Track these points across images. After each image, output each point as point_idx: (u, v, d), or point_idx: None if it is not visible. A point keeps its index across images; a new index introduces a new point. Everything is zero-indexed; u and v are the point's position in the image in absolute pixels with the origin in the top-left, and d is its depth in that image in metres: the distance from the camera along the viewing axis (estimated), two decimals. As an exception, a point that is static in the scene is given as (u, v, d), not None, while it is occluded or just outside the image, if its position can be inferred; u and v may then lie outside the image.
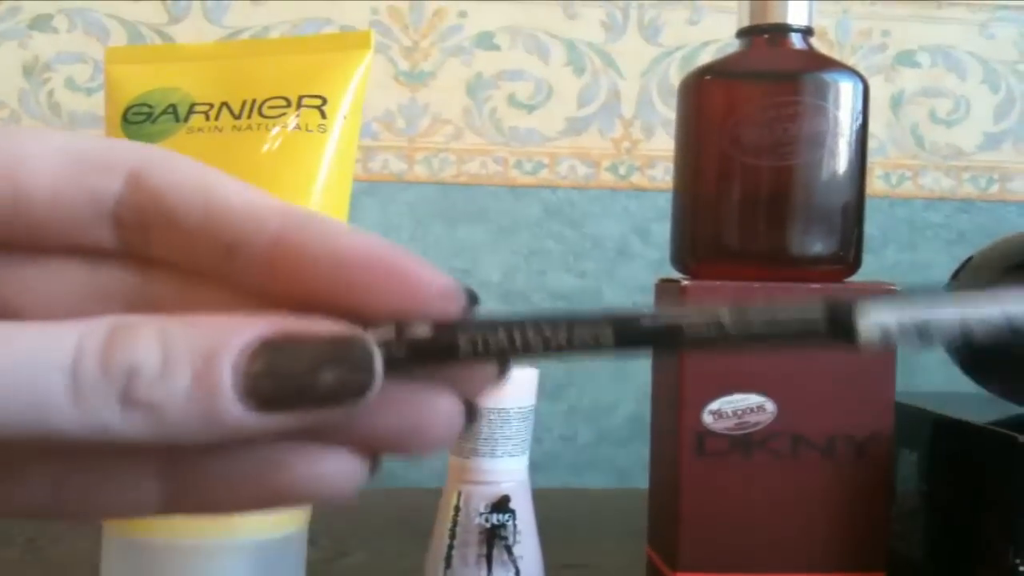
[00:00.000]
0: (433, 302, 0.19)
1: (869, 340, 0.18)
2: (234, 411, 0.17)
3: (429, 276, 0.19)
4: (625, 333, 0.19)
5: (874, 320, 0.18)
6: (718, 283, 0.42)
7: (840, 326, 0.18)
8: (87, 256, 0.20)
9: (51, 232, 0.19)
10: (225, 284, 0.20)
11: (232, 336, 0.17)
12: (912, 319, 0.18)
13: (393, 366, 0.18)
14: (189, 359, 0.17)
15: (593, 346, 0.19)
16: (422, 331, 0.19)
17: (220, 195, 0.19)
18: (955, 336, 0.18)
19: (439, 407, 0.19)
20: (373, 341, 0.18)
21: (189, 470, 0.19)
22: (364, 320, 0.19)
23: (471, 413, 0.19)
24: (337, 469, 0.19)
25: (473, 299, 0.19)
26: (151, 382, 0.17)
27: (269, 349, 0.17)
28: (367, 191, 0.73)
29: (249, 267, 0.19)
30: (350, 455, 0.19)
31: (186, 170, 0.19)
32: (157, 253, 0.20)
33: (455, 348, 0.19)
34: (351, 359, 0.18)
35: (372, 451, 0.19)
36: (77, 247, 0.20)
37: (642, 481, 0.48)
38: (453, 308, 0.19)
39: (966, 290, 0.18)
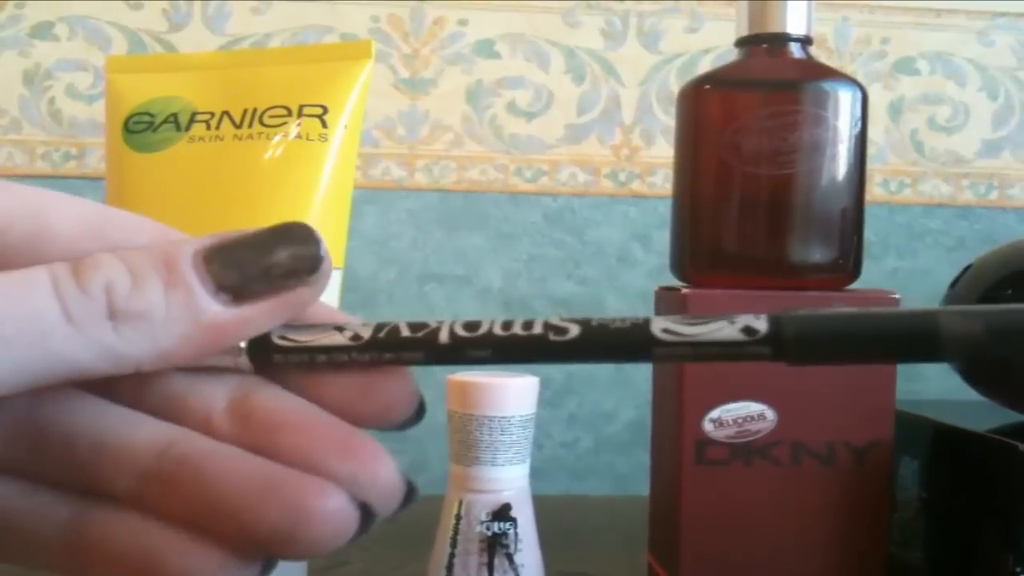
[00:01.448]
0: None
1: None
2: (212, 305, 0.19)
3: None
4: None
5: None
6: (717, 291, 0.42)
7: (778, 342, 0.20)
8: None
9: None
10: None
11: (183, 246, 0.20)
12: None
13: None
14: (153, 270, 0.19)
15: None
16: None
17: (105, 213, 0.21)
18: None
19: (327, 503, 0.19)
20: (307, 228, 0.20)
21: (86, 551, 0.20)
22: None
23: (366, 517, 0.20)
24: (210, 568, 0.20)
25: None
26: (128, 294, 0.19)
27: (220, 249, 0.20)
28: (368, 198, 0.73)
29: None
30: (227, 557, 0.20)
31: (64, 198, 0.21)
32: None
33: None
34: (296, 236, 0.20)
35: (255, 553, 0.20)
36: None
37: (642, 488, 0.48)
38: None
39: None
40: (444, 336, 0.20)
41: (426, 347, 0.20)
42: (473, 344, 0.20)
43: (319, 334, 0.21)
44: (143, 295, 0.19)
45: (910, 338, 0.19)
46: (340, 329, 0.21)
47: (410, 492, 0.21)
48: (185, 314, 0.19)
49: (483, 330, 0.20)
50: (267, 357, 0.21)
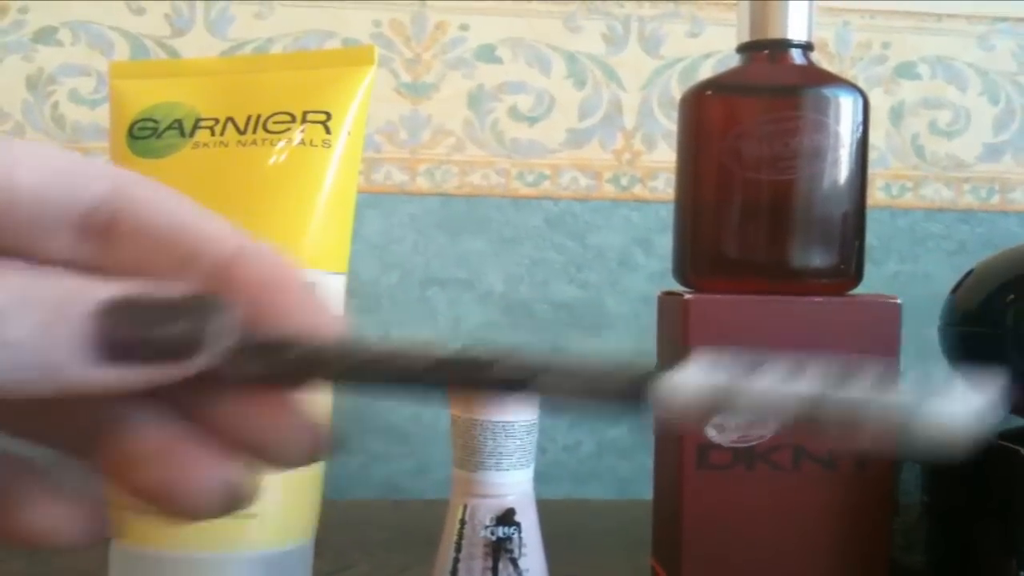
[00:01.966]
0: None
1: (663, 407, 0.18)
2: (75, 362, 0.18)
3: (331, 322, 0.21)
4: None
5: (672, 388, 0.18)
6: (720, 296, 0.42)
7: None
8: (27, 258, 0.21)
9: (20, 227, 0.20)
10: None
11: (85, 293, 0.19)
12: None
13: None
14: (39, 307, 0.18)
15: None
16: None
17: (188, 215, 0.21)
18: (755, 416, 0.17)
19: (202, 475, 0.20)
20: (219, 304, 0.19)
21: None
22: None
23: (248, 486, 0.20)
24: (69, 517, 0.20)
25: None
26: (4, 321, 0.18)
27: (118, 305, 0.19)
28: (370, 203, 0.73)
29: (197, 280, 0.20)
30: (84, 510, 0.20)
31: (164, 190, 0.21)
32: (110, 261, 0.21)
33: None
34: (194, 315, 0.19)
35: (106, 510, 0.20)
36: (30, 249, 0.21)
37: (645, 492, 0.48)
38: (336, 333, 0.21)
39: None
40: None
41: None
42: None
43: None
44: (10, 327, 0.18)
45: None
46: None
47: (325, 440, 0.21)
48: (45, 364, 0.18)
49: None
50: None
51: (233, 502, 0.20)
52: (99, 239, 0.21)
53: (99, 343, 0.18)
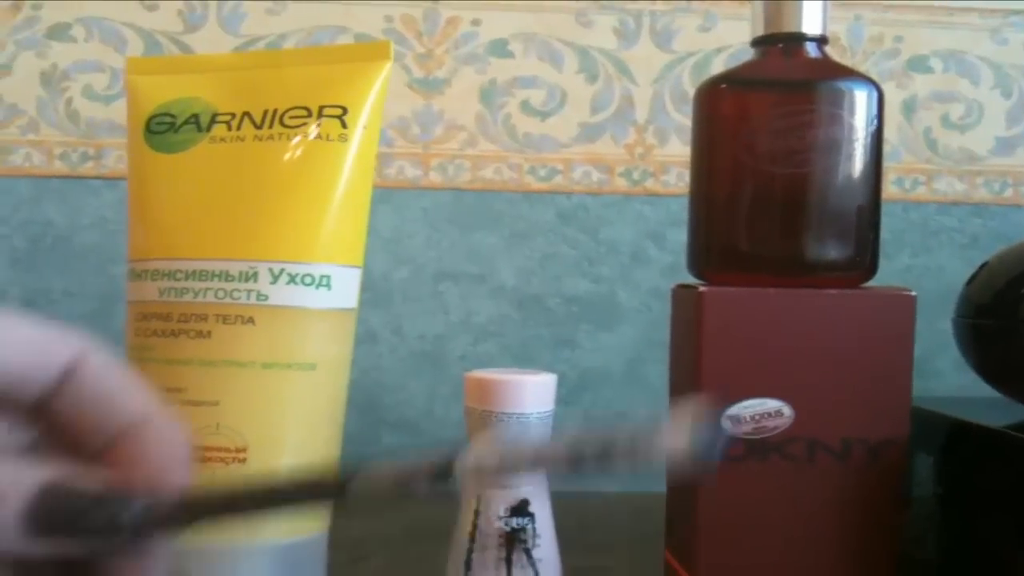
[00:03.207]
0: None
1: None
2: (14, 535, 0.22)
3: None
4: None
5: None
6: (735, 289, 0.43)
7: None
8: None
9: None
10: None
11: (24, 479, 0.23)
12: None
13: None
14: None
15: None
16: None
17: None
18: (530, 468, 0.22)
19: None
20: (130, 502, 0.23)
21: None
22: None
23: None
24: None
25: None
26: None
27: (49, 493, 0.23)
28: (382, 198, 0.74)
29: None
30: None
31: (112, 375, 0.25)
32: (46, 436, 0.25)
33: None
34: (109, 510, 0.23)
35: None
36: None
37: (658, 484, 0.49)
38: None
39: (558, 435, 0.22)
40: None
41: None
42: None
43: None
44: None
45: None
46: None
47: None
48: None
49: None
50: None
51: None
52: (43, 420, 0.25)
53: (31, 523, 0.22)
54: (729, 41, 0.76)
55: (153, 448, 0.25)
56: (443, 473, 0.22)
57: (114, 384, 0.25)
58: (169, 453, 0.25)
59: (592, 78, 0.76)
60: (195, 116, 0.42)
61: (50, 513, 0.22)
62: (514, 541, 0.41)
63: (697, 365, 0.42)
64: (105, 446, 0.24)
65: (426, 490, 0.22)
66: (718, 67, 0.76)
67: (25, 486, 0.22)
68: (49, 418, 0.25)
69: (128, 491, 0.23)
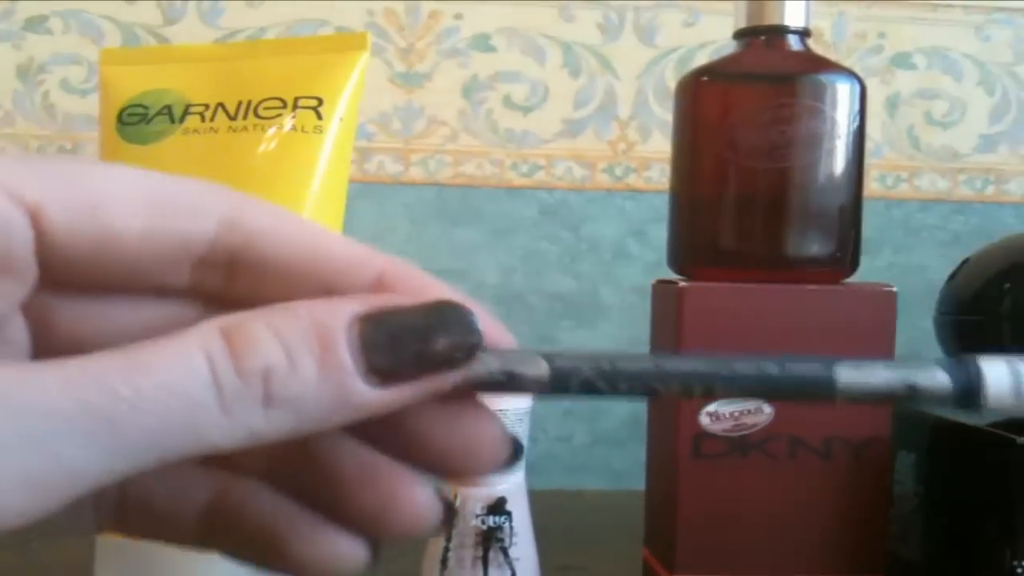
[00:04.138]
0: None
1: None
2: (361, 388, 0.18)
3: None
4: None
5: None
6: (715, 285, 0.42)
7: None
8: (155, 293, 0.20)
9: (134, 274, 0.20)
10: None
11: (336, 317, 0.19)
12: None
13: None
14: (308, 348, 0.18)
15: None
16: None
17: (324, 242, 0.20)
18: None
19: (413, 495, 0.21)
20: (467, 307, 0.19)
21: (220, 530, 0.21)
22: None
23: (449, 512, 0.21)
24: (337, 550, 0.21)
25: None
26: (284, 379, 0.18)
27: (376, 325, 0.19)
28: (363, 193, 0.73)
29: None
30: (349, 541, 0.21)
31: (281, 215, 0.20)
32: (235, 294, 0.20)
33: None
34: (455, 321, 0.19)
35: (361, 533, 0.21)
36: (147, 286, 0.20)
37: (638, 482, 0.48)
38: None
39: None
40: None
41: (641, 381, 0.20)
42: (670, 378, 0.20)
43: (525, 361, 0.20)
44: (298, 380, 0.18)
45: None
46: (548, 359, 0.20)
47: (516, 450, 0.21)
48: (336, 399, 0.18)
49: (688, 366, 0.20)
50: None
51: (443, 514, 0.21)
52: (225, 274, 0.20)
53: (373, 368, 0.18)
54: (713, 36, 0.76)
55: None
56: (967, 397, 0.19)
57: (302, 238, 0.20)
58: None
59: (575, 73, 0.75)
60: (168, 107, 0.42)
61: (390, 349, 0.18)
62: (491, 539, 0.40)
63: (677, 361, 0.42)
64: None
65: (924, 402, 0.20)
66: (701, 62, 0.75)
67: (342, 326, 0.18)
68: (239, 286, 0.21)
69: (465, 305, 0.19)
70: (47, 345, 0.20)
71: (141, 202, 0.19)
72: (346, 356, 0.18)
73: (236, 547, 0.21)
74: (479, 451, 0.21)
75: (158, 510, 0.21)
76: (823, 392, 0.20)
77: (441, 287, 0.21)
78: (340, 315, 0.19)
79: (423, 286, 0.20)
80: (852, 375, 0.20)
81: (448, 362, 0.19)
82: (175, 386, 0.17)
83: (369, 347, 0.18)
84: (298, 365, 0.18)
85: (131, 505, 0.21)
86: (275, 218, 0.20)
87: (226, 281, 0.20)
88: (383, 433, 0.21)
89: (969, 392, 0.19)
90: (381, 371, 0.18)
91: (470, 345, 0.19)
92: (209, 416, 0.17)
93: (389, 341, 0.18)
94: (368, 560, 0.21)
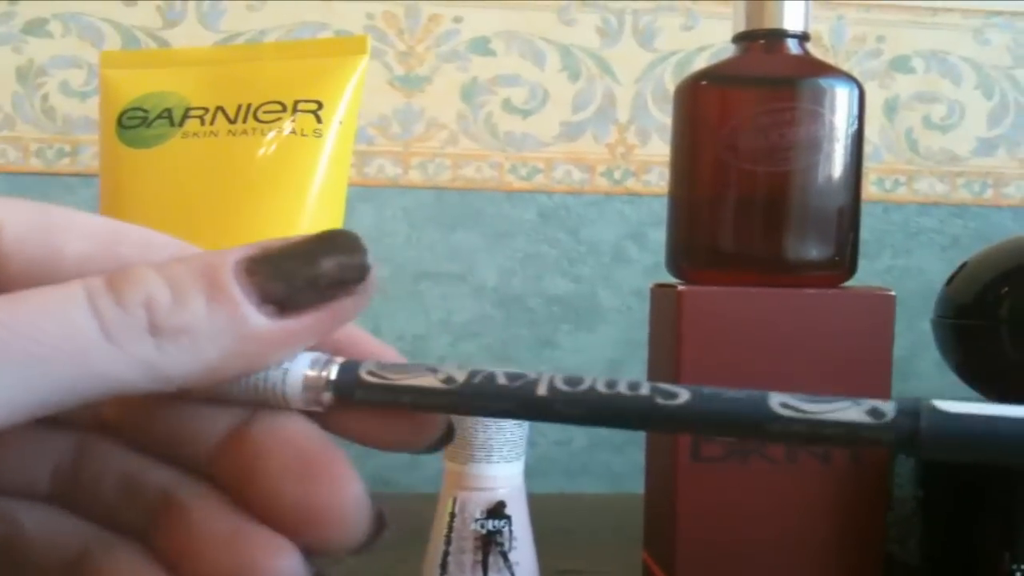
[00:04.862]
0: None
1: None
2: (257, 318, 0.18)
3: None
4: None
5: None
6: (714, 288, 0.42)
7: (908, 445, 0.18)
8: None
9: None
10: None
11: (225, 256, 0.19)
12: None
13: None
14: (194, 282, 0.18)
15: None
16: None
17: (120, 228, 0.21)
18: None
19: (278, 563, 0.19)
20: (353, 233, 0.19)
21: (167, 537, 0.20)
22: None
23: (379, 521, 0.20)
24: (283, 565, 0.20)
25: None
26: (169, 309, 0.18)
27: (263, 259, 0.19)
28: (362, 196, 0.73)
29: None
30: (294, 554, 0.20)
31: (73, 212, 0.21)
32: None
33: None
34: (342, 245, 0.19)
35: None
36: None
37: (637, 486, 0.48)
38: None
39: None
40: (542, 389, 0.19)
41: (520, 399, 0.19)
42: (571, 400, 0.19)
43: (411, 374, 0.20)
44: (185, 309, 0.18)
45: None
46: (433, 370, 0.20)
47: (379, 522, 0.20)
48: (229, 327, 0.18)
49: (584, 386, 0.19)
50: (350, 395, 0.20)
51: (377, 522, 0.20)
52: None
53: (265, 297, 0.19)
54: (712, 40, 0.76)
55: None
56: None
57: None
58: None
59: (574, 77, 0.75)
60: (168, 111, 0.42)
61: (278, 277, 0.19)
62: (490, 544, 0.40)
63: (676, 364, 0.42)
64: None
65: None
66: (700, 66, 0.75)
67: (230, 263, 0.18)
68: None
69: (349, 232, 0.20)
70: None
71: (88, 231, 0.20)
72: (234, 286, 0.18)
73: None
74: (412, 440, 0.21)
75: (23, 553, 0.21)
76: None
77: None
78: (226, 255, 0.19)
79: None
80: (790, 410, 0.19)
81: (341, 283, 0.19)
82: (55, 311, 0.17)
83: (259, 279, 0.18)
84: (183, 295, 0.18)
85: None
86: (70, 217, 0.20)
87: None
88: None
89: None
90: (274, 300, 0.19)
91: (359, 264, 0.19)
92: (93, 341, 0.17)
93: (277, 270, 0.19)
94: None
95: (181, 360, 0.18)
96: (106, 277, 0.18)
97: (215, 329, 0.18)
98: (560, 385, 0.19)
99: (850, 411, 0.18)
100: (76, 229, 0.20)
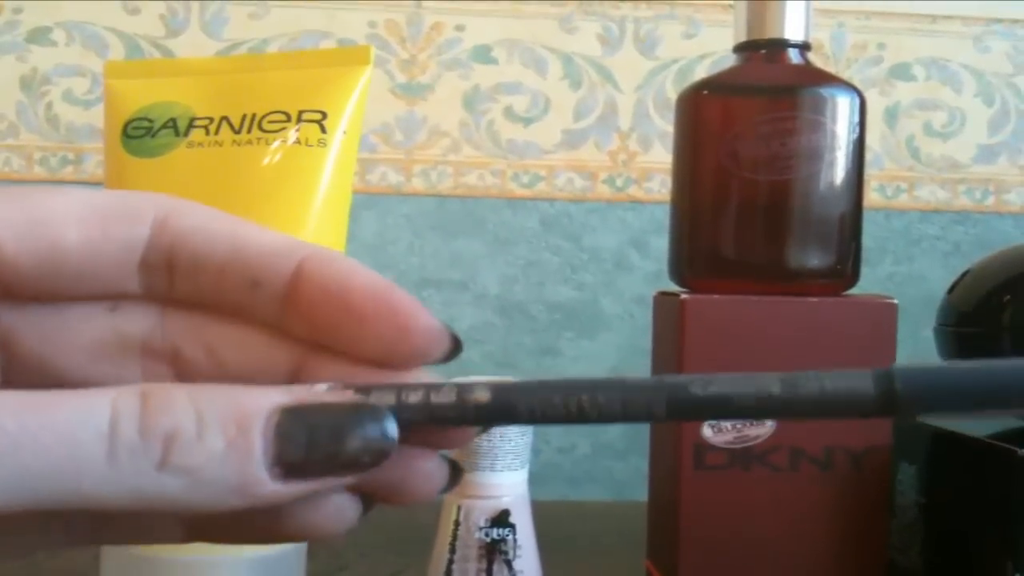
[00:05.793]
0: (420, 343, 0.20)
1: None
2: (263, 478, 0.18)
3: (422, 319, 0.20)
4: (677, 403, 0.19)
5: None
6: (716, 296, 0.42)
7: (889, 399, 0.18)
8: (106, 301, 0.21)
9: (82, 282, 0.20)
10: (243, 319, 0.21)
11: (258, 404, 0.18)
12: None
13: (410, 426, 0.19)
14: (222, 424, 0.18)
15: (646, 415, 0.19)
16: (467, 395, 0.19)
17: (246, 234, 0.20)
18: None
19: (426, 466, 0.21)
20: (387, 408, 0.19)
21: (209, 521, 0.20)
22: (378, 364, 0.20)
23: (455, 472, 0.21)
24: (335, 511, 0.20)
25: (457, 346, 0.21)
26: (188, 446, 0.17)
27: (291, 419, 0.18)
28: (365, 204, 0.73)
29: (270, 301, 0.20)
30: (347, 499, 0.20)
31: (209, 214, 0.21)
32: (180, 293, 0.21)
33: (513, 413, 0.19)
34: (372, 424, 0.19)
35: (365, 497, 0.21)
36: (103, 294, 0.21)
37: (639, 493, 0.48)
38: (438, 351, 0.20)
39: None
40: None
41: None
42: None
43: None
44: (202, 451, 0.17)
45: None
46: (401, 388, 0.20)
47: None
48: (235, 482, 0.18)
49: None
50: None
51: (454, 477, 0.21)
52: (166, 276, 0.21)
53: (280, 461, 0.18)
54: (713, 48, 0.76)
55: (324, 294, 0.20)
56: (890, 399, 0.19)
57: (227, 234, 0.20)
58: (347, 291, 0.20)
59: (576, 84, 0.76)
60: (173, 120, 0.42)
61: (301, 445, 0.18)
62: (495, 552, 0.40)
63: (679, 372, 0.42)
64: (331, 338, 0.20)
65: (868, 410, 0.19)
66: (701, 74, 0.76)
67: (263, 415, 0.18)
68: (178, 286, 0.21)
69: (384, 406, 0.19)
70: (12, 361, 0.21)
71: (81, 214, 0.20)
72: (257, 442, 0.18)
73: (230, 535, 0.21)
74: (416, 485, 0.21)
75: (143, 521, 0.21)
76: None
77: (365, 274, 0.20)
78: (263, 401, 0.18)
79: (341, 273, 0.20)
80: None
81: (357, 464, 0.19)
82: (62, 429, 0.17)
83: (282, 440, 0.18)
84: (206, 434, 0.18)
85: (110, 521, 0.21)
86: (198, 217, 0.21)
87: (169, 283, 0.21)
88: None
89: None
90: (287, 464, 0.18)
91: (382, 450, 0.19)
92: (94, 467, 0.17)
93: (303, 437, 0.18)
94: (360, 516, 0.21)
95: (170, 495, 0.17)
96: (143, 396, 0.18)
97: (220, 477, 0.18)
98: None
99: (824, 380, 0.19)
100: (71, 216, 0.20)
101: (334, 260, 0.20)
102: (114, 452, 0.17)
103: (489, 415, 0.19)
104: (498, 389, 0.19)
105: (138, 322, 0.21)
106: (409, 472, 0.20)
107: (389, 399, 0.19)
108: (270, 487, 0.18)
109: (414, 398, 0.19)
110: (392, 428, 0.19)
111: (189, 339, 0.21)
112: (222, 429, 0.18)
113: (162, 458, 0.17)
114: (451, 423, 0.20)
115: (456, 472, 0.21)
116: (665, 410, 0.19)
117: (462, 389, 0.20)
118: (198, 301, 0.21)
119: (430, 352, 0.20)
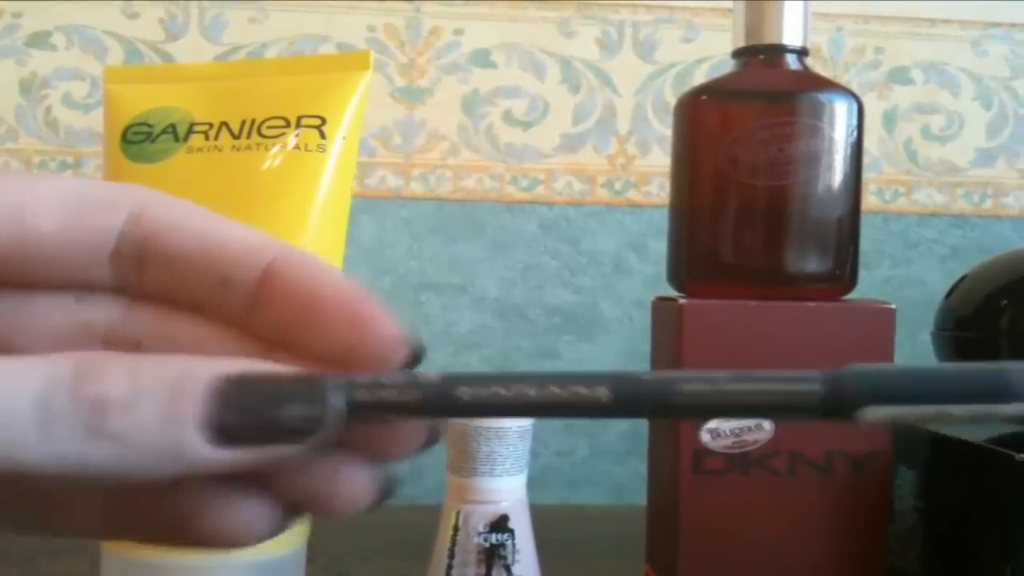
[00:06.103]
0: (378, 348, 0.20)
1: (866, 419, 0.19)
2: (197, 444, 0.18)
3: (382, 326, 0.20)
4: (624, 395, 0.19)
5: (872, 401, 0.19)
6: (715, 302, 0.42)
7: (836, 404, 0.19)
8: (75, 290, 0.21)
9: (53, 269, 0.20)
10: (208, 316, 0.21)
11: (197, 371, 0.18)
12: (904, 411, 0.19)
13: (361, 412, 0.19)
14: (156, 391, 0.18)
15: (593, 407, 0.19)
16: (405, 381, 0.19)
17: (219, 231, 0.20)
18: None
19: (354, 477, 0.20)
20: (330, 382, 0.19)
21: (125, 508, 0.20)
22: (339, 366, 0.20)
23: (388, 486, 0.20)
24: (252, 516, 0.20)
25: (417, 355, 0.20)
26: (119, 412, 0.17)
27: (232, 385, 0.18)
28: (364, 207, 0.73)
29: (238, 299, 0.20)
30: (268, 505, 0.20)
31: (184, 208, 0.21)
32: (149, 287, 0.21)
33: (455, 402, 0.19)
34: (310, 396, 0.18)
35: (288, 505, 0.20)
36: (72, 283, 0.21)
37: (638, 497, 0.48)
38: (397, 358, 0.20)
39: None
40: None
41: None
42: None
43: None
44: (135, 416, 0.17)
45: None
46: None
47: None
48: (167, 447, 0.17)
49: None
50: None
51: (385, 492, 0.20)
52: (137, 268, 0.21)
53: (216, 426, 0.18)
54: (711, 52, 0.76)
55: (294, 293, 0.20)
56: (836, 403, 0.19)
57: (201, 229, 0.20)
58: (318, 292, 0.20)
59: (574, 88, 0.76)
60: (172, 126, 0.42)
61: (238, 410, 0.18)
62: (494, 557, 0.40)
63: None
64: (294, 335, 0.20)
65: (815, 413, 0.19)
66: (700, 78, 0.76)
67: (202, 380, 0.18)
68: (148, 278, 0.21)
69: (333, 377, 0.19)
70: None
71: (56, 202, 0.20)
72: (190, 406, 0.18)
73: (142, 529, 0.21)
74: (342, 497, 0.20)
75: (55, 496, 0.21)
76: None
77: (334, 276, 0.20)
78: (206, 368, 0.18)
79: (311, 273, 0.20)
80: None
81: (290, 434, 0.18)
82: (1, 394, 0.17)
83: (219, 404, 0.18)
84: (141, 402, 0.17)
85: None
86: (175, 211, 0.21)
87: (139, 275, 0.21)
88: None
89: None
90: (223, 429, 0.18)
91: (319, 420, 0.18)
92: (25, 434, 0.17)
93: (241, 403, 0.18)
94: (280, 526, 0.20)
95: (100, 462, 0.17)
96: (77, 364, 0.18)
97: (151, 442, 0.17)
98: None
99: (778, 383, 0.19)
100: (44, 201, 0.20)
101: (304, 260, 0.20)
102: (45, 418, 0.17)
103: (436, 396, 0.19)
104: (447, 375, 0.19)
105: (103, 313, 0.21)
106: (336, 480, 0.20)
107: (339, 379, 0.19)
108: (203, 451, 0.18)
109: (363, 379, 0.19)
110: (336, 399, 0.18)
111: (152, 333, 0.21)
112: (159, 395, 0.17)
113: (92, 423, 0.17)
114: (397, 409, 0.19)
115: (389, 486, 0.20)
116: (613, 401, 0.19)
117: (412, 373, 0.20)
118: (167, 295, 0.21)
119: (388, 358, 0.20)
